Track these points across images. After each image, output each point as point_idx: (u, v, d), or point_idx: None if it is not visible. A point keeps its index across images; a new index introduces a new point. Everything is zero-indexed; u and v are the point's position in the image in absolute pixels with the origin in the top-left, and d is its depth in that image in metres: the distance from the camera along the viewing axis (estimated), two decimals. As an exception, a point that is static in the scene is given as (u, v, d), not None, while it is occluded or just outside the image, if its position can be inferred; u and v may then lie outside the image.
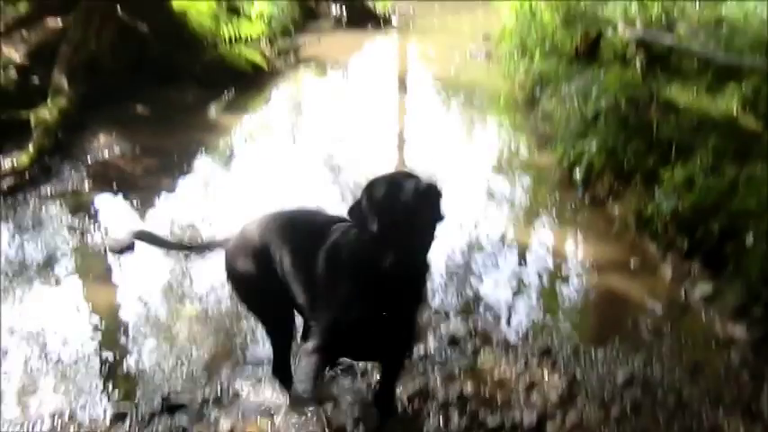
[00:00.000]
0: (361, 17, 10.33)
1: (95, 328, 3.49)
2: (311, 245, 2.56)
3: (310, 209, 2.97)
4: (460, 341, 3.33)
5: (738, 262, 3.53)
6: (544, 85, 6.56)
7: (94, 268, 4.02)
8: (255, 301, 2.83)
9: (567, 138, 5.25)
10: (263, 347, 3.18)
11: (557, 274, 4.02)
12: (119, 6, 6.45)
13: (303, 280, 2.58)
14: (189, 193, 5.01)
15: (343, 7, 10.43)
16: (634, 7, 6.73)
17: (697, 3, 6.91)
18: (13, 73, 5.74)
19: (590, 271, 4.04)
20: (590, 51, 6.37)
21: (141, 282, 3.85)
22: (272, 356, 2.88)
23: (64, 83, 5.75)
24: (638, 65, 5.48)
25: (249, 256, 2.71)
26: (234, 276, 2.80)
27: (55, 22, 6.26)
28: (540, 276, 4.00)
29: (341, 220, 2.62)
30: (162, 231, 3.91)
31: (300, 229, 2.69)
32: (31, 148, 5.02)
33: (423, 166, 4.84)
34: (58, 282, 3.87)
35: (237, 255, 2.75)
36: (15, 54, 5.91)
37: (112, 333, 3.46)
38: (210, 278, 3.83)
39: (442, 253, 4.08)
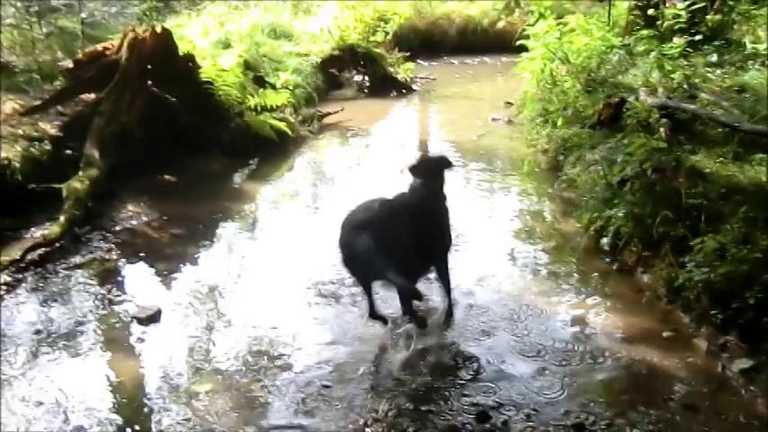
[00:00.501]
0: (384, 85, 10.57)
1: (120, 398, 3.45)
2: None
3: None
4: (490, 415, 3.25)
5: (777, 336, 3.42)
6: (567, 152, 6.59)
7: (121, 337, 4.01)
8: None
9: (593, 205, 5.22)
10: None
11: (587, 345, 3.91)
12: (149, 79, 6.67)
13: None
14: (216, 261, 5.03)
15: (366, 75, 10.70)
16: (655, 74, 6.81)
17: (719, 70, 6.98)
18: (47, 145, 5.91)
19: (622, 342, 3.93)
20: (612, 118, 6.40)
21: (167, 351, 3.83)
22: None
23: (95, 154, 5.87)
24: (662, 132, 5.47)
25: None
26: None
27: (88, 96, 6.46)
28: (569, 347, 3.90)
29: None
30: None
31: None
32: (62, 218, 5.09)
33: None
34: (84, 350, 3.86)
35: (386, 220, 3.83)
36: (50, 127, 6.10)
37: (137, 403, 3.42)
38: (234, 349, 3.82)
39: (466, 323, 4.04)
